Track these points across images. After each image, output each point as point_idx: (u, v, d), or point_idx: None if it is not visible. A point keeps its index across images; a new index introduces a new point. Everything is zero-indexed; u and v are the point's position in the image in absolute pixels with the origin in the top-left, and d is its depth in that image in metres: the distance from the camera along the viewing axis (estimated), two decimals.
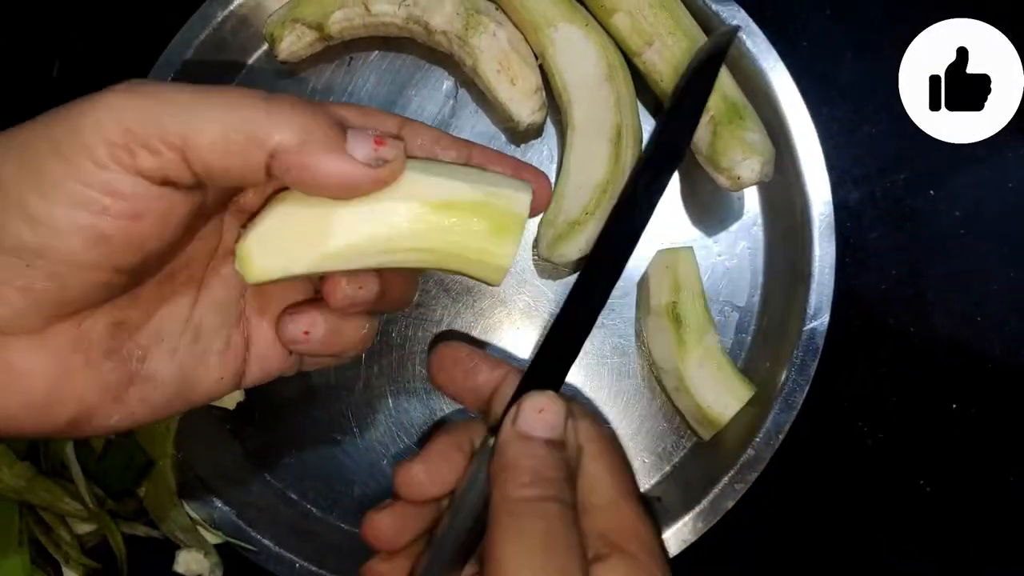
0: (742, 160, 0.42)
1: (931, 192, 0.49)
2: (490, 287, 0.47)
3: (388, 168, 0.26)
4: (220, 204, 0.30)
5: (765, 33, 0.45)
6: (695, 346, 0.43)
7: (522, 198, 0.30)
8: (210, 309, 0.30)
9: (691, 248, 0.46)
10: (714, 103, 0.43)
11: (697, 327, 0.44)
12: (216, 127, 0.24)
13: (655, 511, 0.45)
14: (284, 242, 0.28)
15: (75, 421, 0.26)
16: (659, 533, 0.31)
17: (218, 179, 0.25)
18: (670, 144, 0.38)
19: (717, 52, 0.39)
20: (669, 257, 0.45)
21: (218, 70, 0.49)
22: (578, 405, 0.33)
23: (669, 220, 0.48)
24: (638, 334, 0.47)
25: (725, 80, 0.44)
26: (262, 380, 0.33)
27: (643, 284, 0.46)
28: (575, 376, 0.47)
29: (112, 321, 0.27)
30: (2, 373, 0.25)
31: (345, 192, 0.27)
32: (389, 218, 0.28)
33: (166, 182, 0.25)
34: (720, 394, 0.43)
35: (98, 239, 0.24)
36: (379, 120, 0.30)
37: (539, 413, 0.29)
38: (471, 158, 0.32)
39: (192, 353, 0.30)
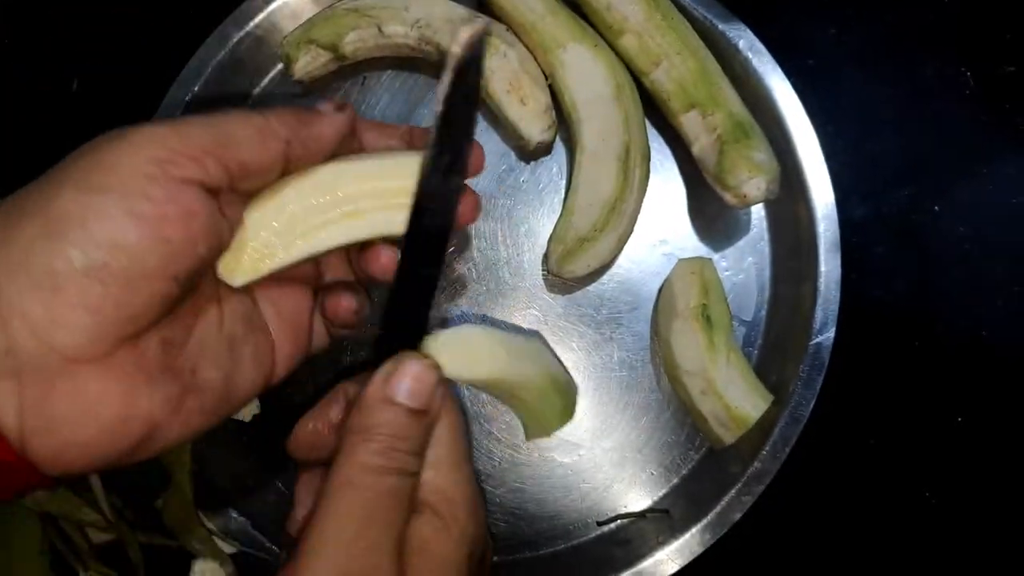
0: (748, 179, 0.43)
1: (936, 208, 0.50)
2: (503, 299, 0.48)
3: (348, 111, 0.32)
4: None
5: (771, 52, 0.46)
6: (723, 348, 0.44)
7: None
8: (235, 319, 0.32)
9: (711, 258, 0.47)
10: (720, 121, 0.44)
11: (725, 329, 0.45)
12: (244, 129, 0.28)
13: (666, 521, 0.45)
14: (255, 246, 0.31)
15: (144, 439, 0.28)
16: (478, 506, 0.31)
17: (251, 174, 0.29)
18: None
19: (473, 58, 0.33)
20: (694, 264, 0.46)
21: (234, 89, 0.50)
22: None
23: (678, 235, 0.48)
24: (651, 345, 0.48)
25: (731, 98, 0.45)
26: (287, 373, 0.35)
27: (666, 291, 0.47)
28: (583, 388, 0.47)
29: (162, 339, 0.28)
30: (78, 401, 0.26)
31: (339, 138, 0.31)
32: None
33: (206, 186, 0.28)
34: (748, 394, 0.44)
35: (160, 242, 0.26)
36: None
37: (404, 378, 0.30)
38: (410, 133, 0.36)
39: (231, 360, 0.31)
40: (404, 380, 0.30)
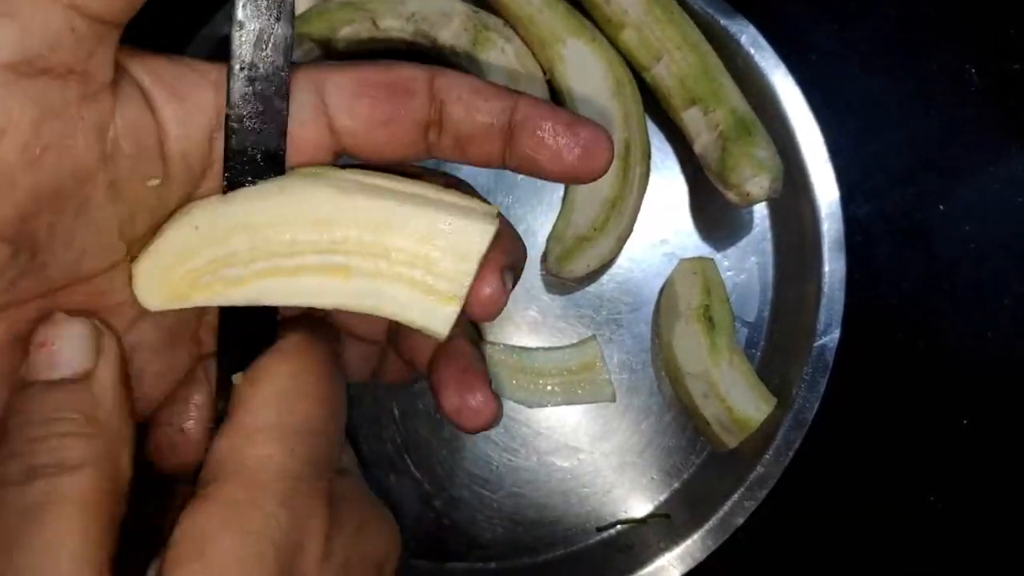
0: (751, 177, 0.42)
1: (941, 207, 0.49)
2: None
3: None
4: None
5: (774, 47, 0.45)
6: (726, 349, 0.43)
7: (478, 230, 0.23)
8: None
9: (713, 258, 0.46)
10: (722, 118, 0.43)
11: (727, 331, 0.44)
12: None
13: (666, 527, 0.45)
14: (193, 268, 0.23)
15: None
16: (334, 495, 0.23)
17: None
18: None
19: None
20: (696, 264, 0.45)
21: None
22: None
23: (679, 234, 0.48)
24: (652, 346, 0.47)
25: (734, 95, 0.44)
26: None
27: (668, 291, 0.46)
28: None
29: (12, 335, 0.21)
30: None
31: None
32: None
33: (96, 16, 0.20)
34: (751, 397, 0.43)
35: None
36: (400, 74, 0.25)
37: (42, 348, 0.21)
38: (516, 111, 0.25)
39: None
40: (42, 351, 0.21)
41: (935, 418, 0.48)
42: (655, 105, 0.46)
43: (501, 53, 0.45)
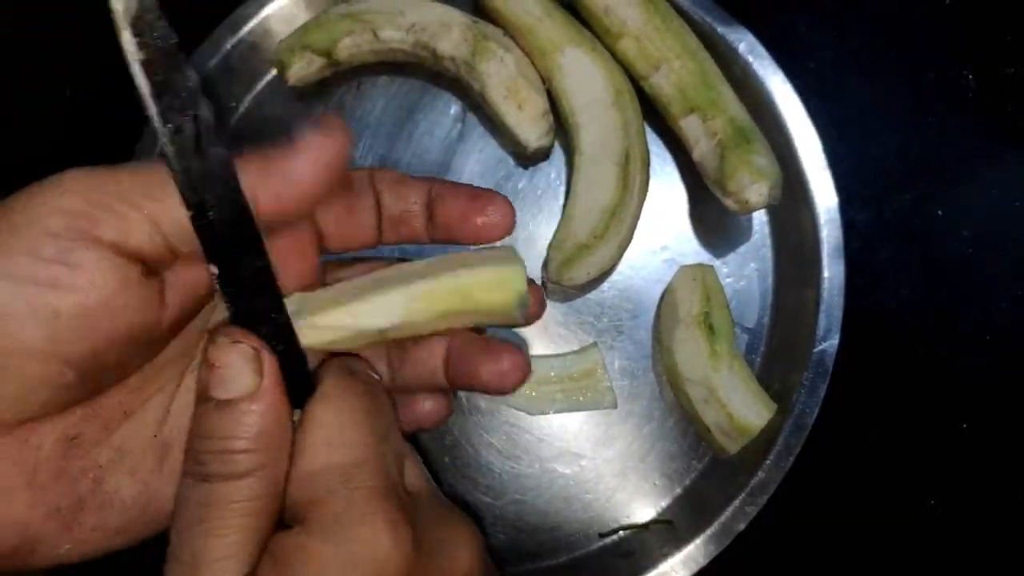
0: (750, 184, 0.42)
1: (939, 212, 0.49)
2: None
3: (336, 136, 0.25)
4: (187, 311, 0.26)
5: (772, 56, 0.46)
6: (726, 356, 0.44)
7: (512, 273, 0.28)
8: (183, 425, 0.26)
9: (712, 265, 0.46)
10: (721, 126, 0.43)
11: (727, 337, 0.44)
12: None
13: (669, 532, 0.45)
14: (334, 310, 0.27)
15: (16, 552, 0.23)
16: (410, 523, 0.25)
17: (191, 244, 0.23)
18: None
19: None
20: (696, 271, 0.45)
21: (228, 96, 0.49)
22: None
23: (679, 241, 0.48)
24: (653, 353, 0.47)
25: (732, 102, 0.44)
26: None
27: (667, 298, 0.46)
28: None
29: (64, 436, 0.24)
30: None
31: (326, 179, 0.25)
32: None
33: (129, 254, 0.23)
34: (751, 403, 0.43)
35: (47, 316, 0.21)
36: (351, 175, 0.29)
37: (213, 370, 0.24)
38: (432, 191, 0.30)
39: (158, 474, 0.26)
40: (214, 372, 0.24)
41: (935, 422, 0.48)
42: (654, 113, 0.47)
43: (500, 63, 0.45)
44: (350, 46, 0.46)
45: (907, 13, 0.51)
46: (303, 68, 0.47)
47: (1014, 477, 0.48)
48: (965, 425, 0.48)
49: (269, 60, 0.49)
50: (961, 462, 0.48)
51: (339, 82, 0.50)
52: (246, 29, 0.48)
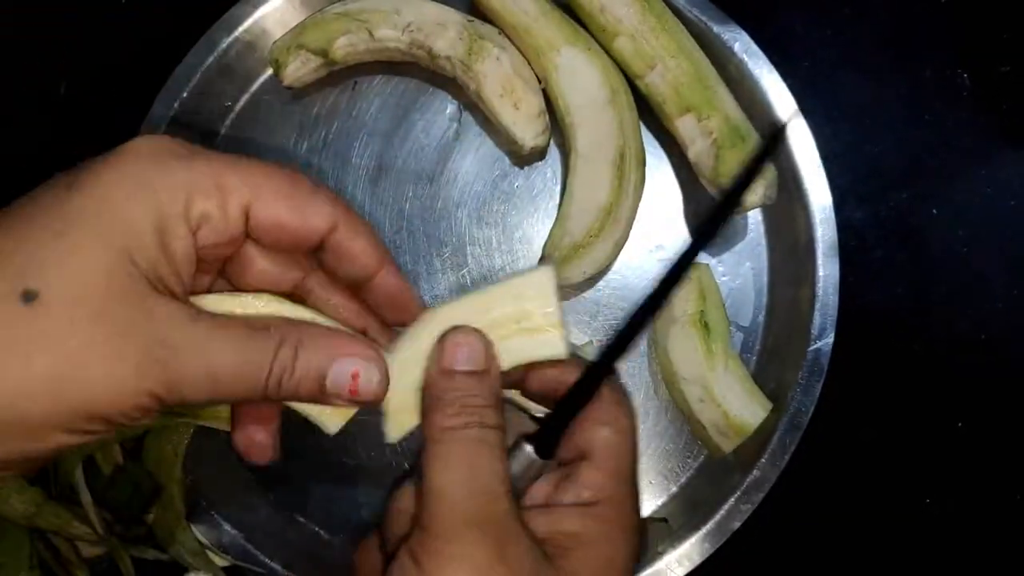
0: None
1: (934, 211, 0.50)
2: None
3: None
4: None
5: (766, 54, 0.46)
6: (721, 355, 0.44)
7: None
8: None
9: (708, 264, 0.46)
10: (716, 125, 0.43)
11: (722, 336, 0.44)
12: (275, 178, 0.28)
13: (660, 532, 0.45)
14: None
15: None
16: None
17: (272, 232, 0.28)
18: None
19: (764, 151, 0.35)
20: (691, 270, 0.45)
21: (223, 95, 0.49)
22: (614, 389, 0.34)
23: (674, 240, 0.48)
24: (648, 352, 0.47)
25: (727, 102, 0.44)
26: None
27: None
28: None
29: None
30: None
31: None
32: None
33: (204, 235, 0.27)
34: (746, 402, 0.43)
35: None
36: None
37: (457, 347, 0.30)
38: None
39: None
40: (450, 350, 0.30)
41: (930, 421, 0.48)
42: (649, 113, 0.47)
43: (496, 62, 0.45)
44: (346, 45, 0.46)
45: (903, 12, 0.51)
46: (299, 68, 0.47)
47: (1009, 475, 0.48)
48: (960, 424, 0.48)
49: (265, 60, 0.49)
50: (956, 460, 0.48)
51: (335, 82, 0.50)
52: (242, 28, 0.48)
